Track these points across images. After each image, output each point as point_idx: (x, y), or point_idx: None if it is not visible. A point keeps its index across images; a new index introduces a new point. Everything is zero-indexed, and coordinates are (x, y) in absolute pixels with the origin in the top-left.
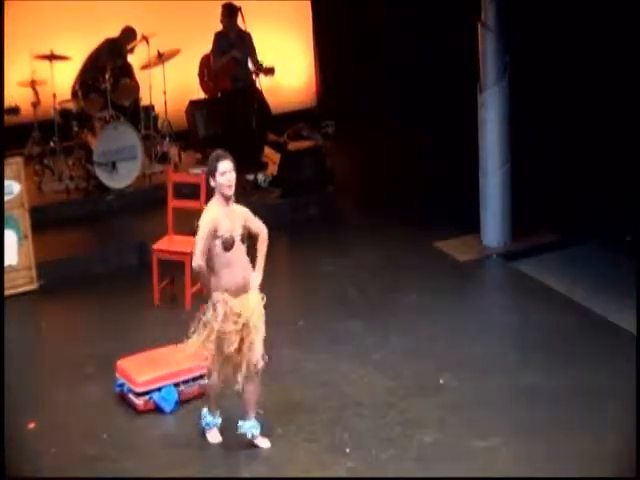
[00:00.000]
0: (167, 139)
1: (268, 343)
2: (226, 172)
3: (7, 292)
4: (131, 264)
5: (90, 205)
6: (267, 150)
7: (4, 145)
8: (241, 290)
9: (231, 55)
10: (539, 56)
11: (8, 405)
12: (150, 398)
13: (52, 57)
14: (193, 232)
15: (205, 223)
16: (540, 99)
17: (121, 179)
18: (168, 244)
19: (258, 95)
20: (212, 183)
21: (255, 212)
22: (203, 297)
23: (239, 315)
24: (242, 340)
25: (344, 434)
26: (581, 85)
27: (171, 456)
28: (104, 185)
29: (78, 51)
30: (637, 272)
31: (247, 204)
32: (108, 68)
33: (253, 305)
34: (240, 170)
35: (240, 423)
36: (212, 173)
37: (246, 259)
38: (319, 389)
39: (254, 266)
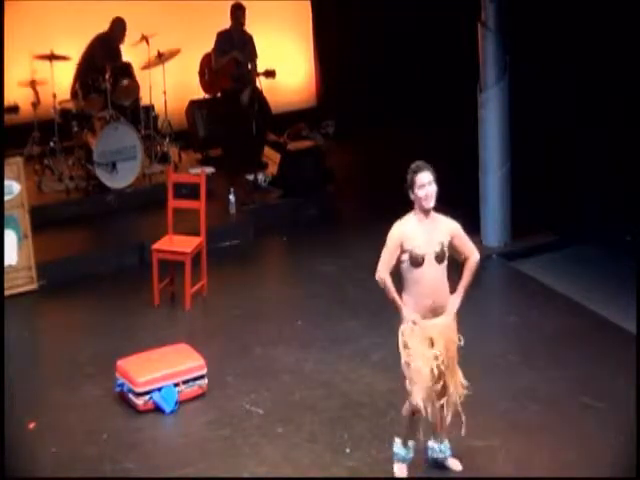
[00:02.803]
0: (167, 139)
1: (269, 343)
2: (425, 184)
3: (7, 292)
4: (131, 264)
5: (90, 205)
6: (267, 150)
7: (4, 145)
8: (431, 313)
9: (232, 56)
10: (539, 56)
11: (8, 405)
12: (150, 398)
13: (52, 57)
14: (193, 232)
15: (392, 235)
16: (540, 99)
17: (121, 179)
18: (168, 244)
19: (258, 95)
20: (411, 196)
21: (255, 212)
22: (203, 297)
23: (431, 341)
24: (440, 370)
25: (344, 434)
26: (581, 84)
27: (171, 456)
28: (104, 185)
29: (78, 51)
30: (637, 272)
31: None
32: (108, 68)
33: (446, 332)
34: (240, 170)
35: (430, 444)
36: (410, 186)
37: (441, 279)
38: (319, 389)
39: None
